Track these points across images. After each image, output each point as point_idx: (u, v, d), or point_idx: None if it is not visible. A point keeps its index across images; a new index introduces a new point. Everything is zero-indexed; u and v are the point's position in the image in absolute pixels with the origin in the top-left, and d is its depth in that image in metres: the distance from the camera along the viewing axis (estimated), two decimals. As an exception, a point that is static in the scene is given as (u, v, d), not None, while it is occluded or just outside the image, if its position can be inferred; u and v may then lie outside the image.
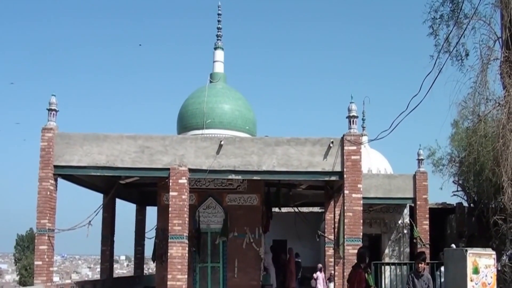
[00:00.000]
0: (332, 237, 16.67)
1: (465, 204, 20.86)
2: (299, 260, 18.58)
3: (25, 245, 49.10)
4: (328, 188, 16.97)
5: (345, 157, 13.23)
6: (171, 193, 13.29)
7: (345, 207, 13.13)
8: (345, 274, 12.70)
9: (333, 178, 13.54)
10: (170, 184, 13.27)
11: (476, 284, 10.36)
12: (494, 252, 10.88)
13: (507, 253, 15.86)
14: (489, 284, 10.36)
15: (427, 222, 18.24)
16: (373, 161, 21.53)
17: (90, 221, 13.70)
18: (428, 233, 18.19)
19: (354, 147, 13.26)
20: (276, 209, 17.91)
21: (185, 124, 18.03)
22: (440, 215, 20.85)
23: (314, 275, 17.39)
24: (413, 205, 18.85)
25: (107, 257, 17.87)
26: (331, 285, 16.60)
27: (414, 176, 18.58)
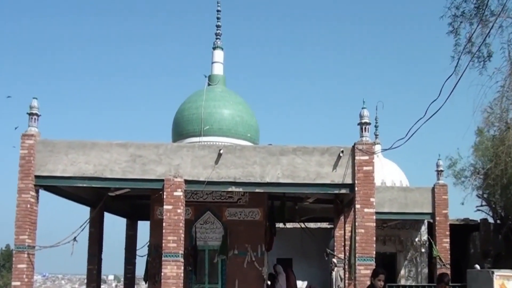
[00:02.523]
0: (342, 256, 16.64)
1: (491, 220, 20.81)
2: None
3: (1, 264, 49.03)
4: (337, 202, 16.96)
5: (356, 168, 13.23)
6: (165, 207, 13.30)
7: (357, 223, 13.12)
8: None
9: (343, 191, 13.54)
10: (165, 196, 13.28)
11: (503, 309, 10.30)
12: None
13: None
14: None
15: (448, 240, 18.18)
16: (387, 172, 21.53)
17: (75, 237, 13.68)
18: (449, 252, 18.11)
19: (367, 157, 13.27)
20: (280, 225, 17.89)
21: (180, 131, 18.09)
22: (462, 232, 20.78)
23: None
24: (431, 221, 18.80)
25: (94, 277, 17.84)
26: None
27: (433, 189, 18.54)
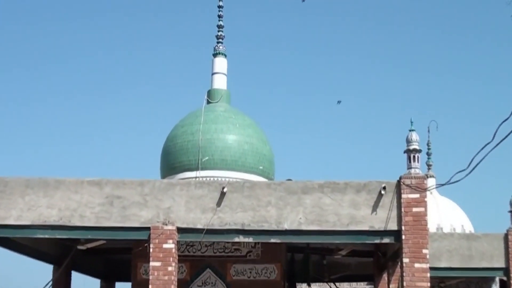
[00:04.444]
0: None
1: None
2: None
3: None
4: (379, 255, 16.84)
5: (403, 210, 13.17)
6: (152, 263, 13.26)
7: (405, 283, 13.01)
8: None
9: (386, 240, 13.46)
10: (151, 250, 13.26)
11: None
12: None
13: None
14: None
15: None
16: (444, 214, 21.42)
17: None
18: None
19: (417, 195, 13.21)
20: (304, 286, 17.75)
21: (172, 163, 18.17)
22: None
23: None
24: (505, 278, 18.63)
25: None
26: None
27: (506, 236, 18.42)
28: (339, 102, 26.79)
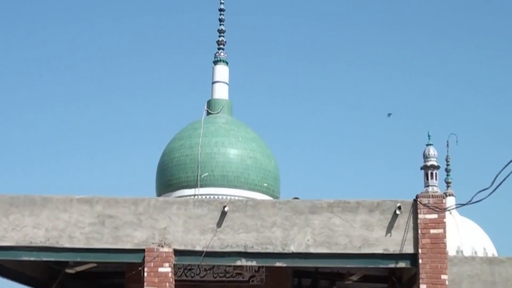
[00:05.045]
0: None
1: None
2: None
3: None
4: (393, 281, 16.80)
5: (420, 231, 13.17)
6: (146, 289, 13.26)
7: (422, 311, 12.97)
8: None
9: (401, 264, 13.44)
10: (146, 274, 13.26)
11: None
12: None
13: None
14: None
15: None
16: (465, 236, 21.38)
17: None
18: None
19: (435, 215, 13.20)
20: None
21: (168, 180, 18.19)
22: None
23: None
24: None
25: None
26: None
27: (532, 260, 18.32)
28: (389, 115, 25.89)
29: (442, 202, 13.41)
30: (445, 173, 22.39)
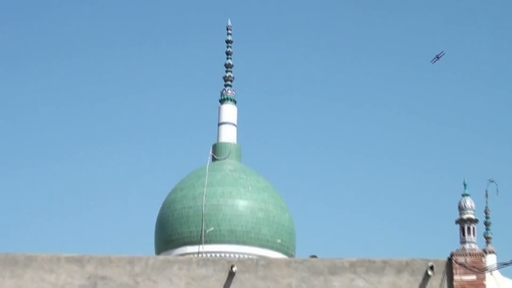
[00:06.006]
0: None
1: None
2: None
3: None
4: None
5: (456, 294, 13.13)
6: None
7: None
8: None
9: (435, 333, 13.40)
10: None
11: None
12: None
13: None
14: None
15: None
16: (508, 300, 21.21)
17: None
18: None
19: (473, 276, 13.20)
20: None
21: (169, 235, 18.22)
22: None
23: None
24: None
25: None
26: None
27: None
28: (437, 57, 24.13)
29: (481, 261, 13.40)
30: (484, 227, 22.30)
